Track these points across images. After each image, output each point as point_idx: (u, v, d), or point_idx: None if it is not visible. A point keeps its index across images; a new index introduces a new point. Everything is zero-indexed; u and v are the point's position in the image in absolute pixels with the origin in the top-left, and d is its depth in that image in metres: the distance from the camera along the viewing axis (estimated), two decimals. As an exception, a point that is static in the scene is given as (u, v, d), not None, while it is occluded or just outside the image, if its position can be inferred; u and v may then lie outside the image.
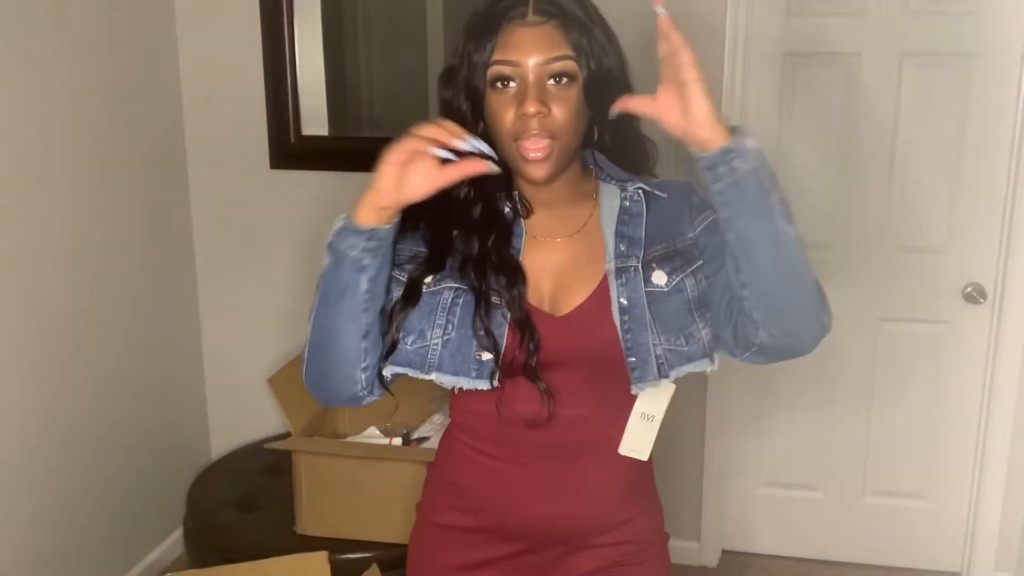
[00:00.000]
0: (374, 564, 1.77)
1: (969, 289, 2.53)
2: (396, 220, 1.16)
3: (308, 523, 2.28)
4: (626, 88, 1.21)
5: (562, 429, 1.25)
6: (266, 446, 2.31)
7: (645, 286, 1.22)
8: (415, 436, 2.43)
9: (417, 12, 2.80)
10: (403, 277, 1.23)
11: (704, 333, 1.22)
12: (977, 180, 2.47)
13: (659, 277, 1.22)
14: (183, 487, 2.67)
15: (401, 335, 1.22)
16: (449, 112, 1.25)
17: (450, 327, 1.22)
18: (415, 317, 1.22)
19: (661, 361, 1.22)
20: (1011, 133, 2.42)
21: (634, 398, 1.28)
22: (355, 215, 1.14)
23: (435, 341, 1.22)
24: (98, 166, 2.40)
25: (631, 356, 1.21)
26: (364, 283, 1.16)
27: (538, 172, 1.17)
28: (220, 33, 2.71)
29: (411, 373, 1.24)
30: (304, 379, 1.26)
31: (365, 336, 1.19)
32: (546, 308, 1.24)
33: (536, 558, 1.32)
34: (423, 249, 1.25)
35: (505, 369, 1.22)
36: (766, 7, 2.46)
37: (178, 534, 2.76)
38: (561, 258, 1.26)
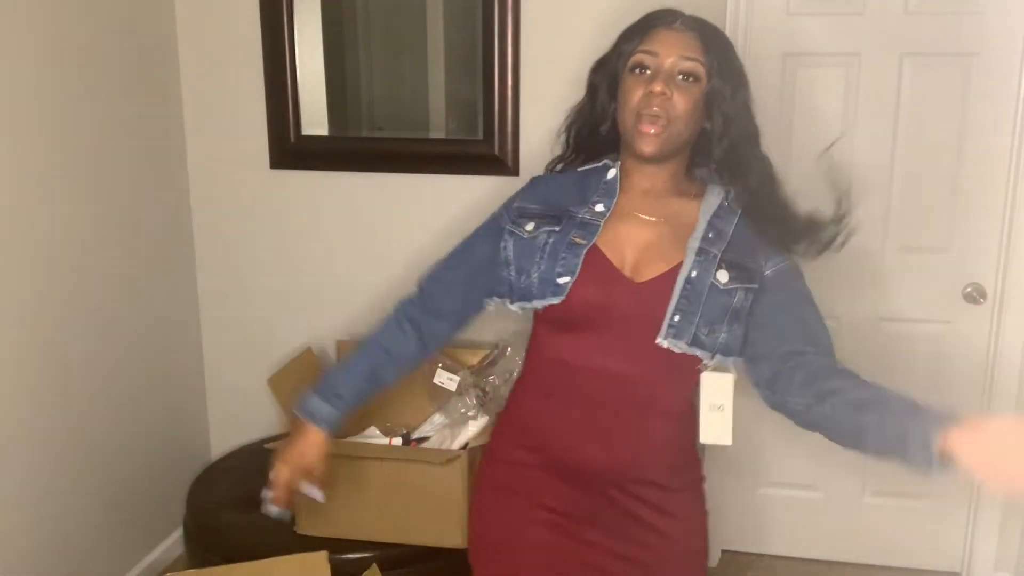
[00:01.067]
0: (374, 564, 1.76)
1: (969, 289, 2.53)
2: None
3: (308, 523, 2.28)
4: (749, 121, 1.45)
5: (620, 382, 1.42)
6: (266, 446, 2.30)
7: (710, 276, 1.40)
8: (415, 436, 2.43)
9: (417, 12, 2.80)
10: (517, 231, 1.50)
11: (722, 336, 1.41)
12: (977, 180, 2.47)
13: (723, 275, 1.40)
14: (183, 487, 2.66)
15: (513, 274, 1.47)
16: (592, 92, 1.52)
17: (542, 261, 1.43)
18: (523, 258, 1.46)
19: (698, 333, 1.39)
20: (1011, 133, 2.42)
21: (692, 369, 1.44)
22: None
23: (535, 275, 1.44)
24: (97, 166, 2.40)
25: (676, 314, 1.38)
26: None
27: (648, 146, 1.40)
28: (220, 33, 2.71)
29: (512, 306, 1.49)
30: None
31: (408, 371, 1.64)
32: (627, 273, 1.42)
33: (589, 495, 1.46)
34: (536, 206, 1.51)
35: (579, 308, 1.40)
36: (766, 7, 2.46)
37: (178, 534, 2.76)
38: (648, 235, 1.44)
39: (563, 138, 1.60)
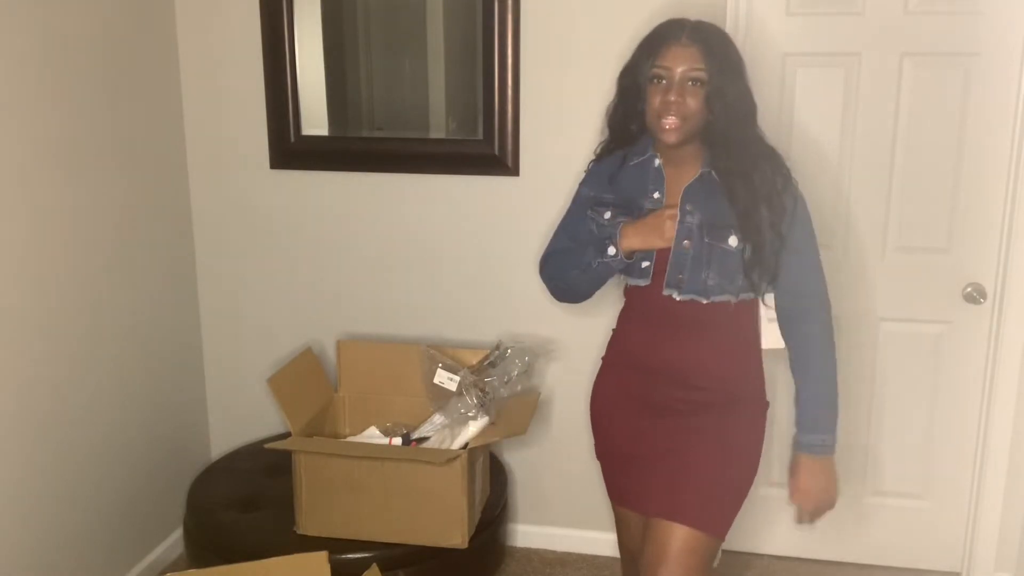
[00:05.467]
0: (374, 564, 1.76)
1: (969, 289, 2.53)
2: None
3: (308, 523, 2.29)
4: (743, 105, 1.81)
5: (690, 310, 1.85)
6: (266, 446, 2.31)
7: (721, 244, 1.81)
8: (415, 436, 2.43)
9: (417, 12, 2.80)
10: (597, 217, 1.93)
11: (740, 283, 1.84)
12: (977, 180, 2.47)
13: (733, 240, 1.81)
14: (183, 487, 2.67)
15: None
16: (623, 94, 1.89)
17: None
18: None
19: (711, 286, 1.84)
20: (1011, 133, 2.42)
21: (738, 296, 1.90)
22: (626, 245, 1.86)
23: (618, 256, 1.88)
24: (98, 166, 2.40)
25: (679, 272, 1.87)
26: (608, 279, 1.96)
27: (669, 138, 1.79)
28: (220, 33, 2.71)
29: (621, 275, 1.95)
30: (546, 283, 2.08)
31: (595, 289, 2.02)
32: None
33: (657, 388, 1.91)
34: (609, 195, 1.93)
35: (660, 265, 1.86)
36: (766, 7, 2.46)
37: (178, 534, 2.76)
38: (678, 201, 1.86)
39: (605, 130, 1.99)
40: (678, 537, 1.81)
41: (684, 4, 2.41)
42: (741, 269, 1.82)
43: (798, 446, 1.92)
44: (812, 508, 1.93)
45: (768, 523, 2.81)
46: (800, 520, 1.93)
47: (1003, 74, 2.39)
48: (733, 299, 1.86)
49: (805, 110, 2.51)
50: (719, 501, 1.87)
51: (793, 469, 1.93)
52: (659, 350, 1.90)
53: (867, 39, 2.44)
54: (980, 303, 2.53)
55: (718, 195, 1.82)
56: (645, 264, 1.87)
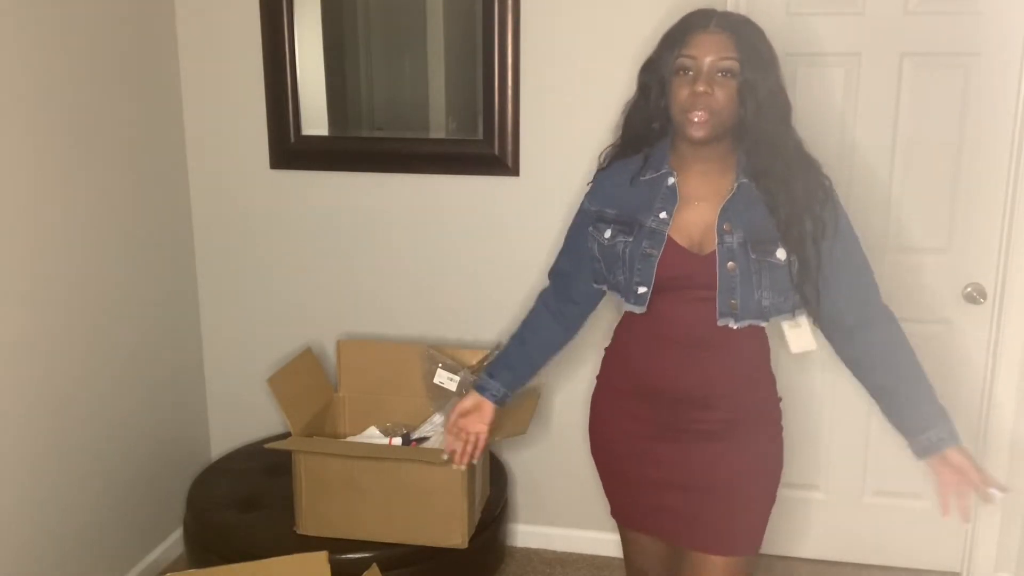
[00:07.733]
0: (374, 564, 1.76)
1: (969, 289, 2.53)
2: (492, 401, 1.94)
3: (308, 523, 2.29)
4: (777, 102, 1.66)
5: (697, 328, 1.73)
6: (266, 446, 2.31)
7: (769, 258, 1.68)
8: (415, 436, 2.44)
9: (417, 13, 2.80)
10: (598, 236, 1.79)
11: (794, 299, 1.71)
12: (977, 180, 2.47)
13: (780, 253, 1.68)
14: (183, 487, 2.67)
15: (604, 271, 1.79)
16: (644, 91, 1.74)
17: (622, 270, 1.74)
18: (608, 260, 1.77)
19: (765, 307, 1.70)
20: (1011, 133, 2.42)
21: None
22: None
23: (620, 277, 1.75)
24: (98, 166, 2.40)
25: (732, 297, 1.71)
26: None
27: (698, 132, 1.63)
28: (220, 33, 2.71)
29: (609, 292, 1.83)
30: None
31: (555, 352, 2.01)
32: (695, 250, 1.70)
33: (672, 413, 1.79)
34: (611, 211, 1.77)
35: (660, 286, 1.72)
36: (766, 7, 2.46)
37: (178, 534, 2.76)
38: (706, 217, 1.71)
39: (618, 130, 1.84)
40: (724, 568, 1.78)
41: (684, 4, 2.42)
42: (791, 283, 1.69)
43: (940, 442, 1.76)
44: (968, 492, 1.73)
45: (768, 523, 2.81)
46: (967, 518, 1.73)
47: (1003, 74, 2.39)
48: (792, 318, 1.75)
49: (805, 110, 2.50)
50: (756, 523, 1.84)
51: (945, 463, 1.75)
52: (668, 371, 1.78)
53: (867, 39, 2.44)
54: (980, 303, 2.53)
55: (757, 206, 1.69)
56: (642, 290, 1.72)
